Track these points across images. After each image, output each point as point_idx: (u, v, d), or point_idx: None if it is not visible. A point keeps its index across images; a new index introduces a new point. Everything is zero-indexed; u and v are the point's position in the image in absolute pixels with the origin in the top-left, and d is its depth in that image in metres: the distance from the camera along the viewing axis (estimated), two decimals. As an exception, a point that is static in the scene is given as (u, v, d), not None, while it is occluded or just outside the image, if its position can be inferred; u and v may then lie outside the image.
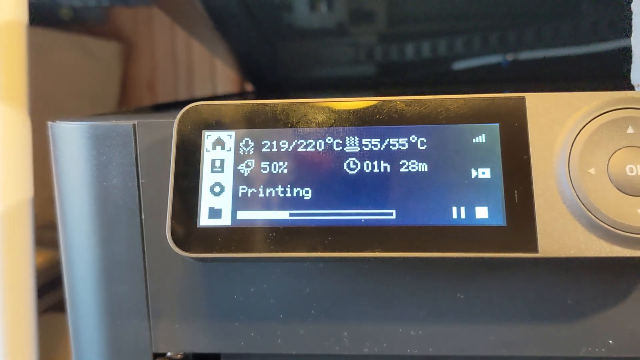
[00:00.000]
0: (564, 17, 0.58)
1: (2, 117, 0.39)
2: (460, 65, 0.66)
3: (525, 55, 0.62)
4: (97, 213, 0.26)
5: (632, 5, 0.25)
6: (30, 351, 0.42)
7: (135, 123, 0.26)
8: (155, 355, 0.27)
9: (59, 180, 0.28)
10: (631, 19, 0.26)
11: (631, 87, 0.28)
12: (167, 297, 0.27)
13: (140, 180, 0.26)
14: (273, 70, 0.70)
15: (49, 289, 0.66)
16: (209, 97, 0.57)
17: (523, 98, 0.23)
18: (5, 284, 0.40)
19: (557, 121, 0.22)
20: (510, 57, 0.64)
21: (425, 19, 0.64)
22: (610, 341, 0.25)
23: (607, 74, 0.59)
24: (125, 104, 0.94)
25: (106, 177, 0.26)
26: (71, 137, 0.27)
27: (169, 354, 0.28)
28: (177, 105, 0.45)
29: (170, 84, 0.94)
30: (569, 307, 0.25)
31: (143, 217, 0.26)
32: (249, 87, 0.91)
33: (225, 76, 0.93)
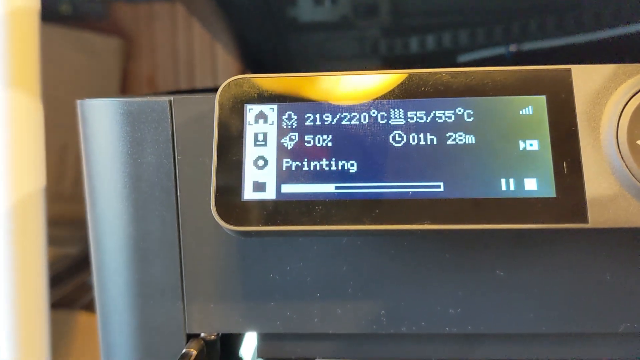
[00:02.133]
0: (567, 6, 0.58)
1: (15, 104, 0.39)
2: (464, 57, 0.66)
3: (529, 46, 0.62)
4: (130, 191, 0.26)
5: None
6: (42, 343, 0.41)
7: (172, 99, 0.25)
8: (189, 336, 0.27)
9: (88, 158, 0.27)
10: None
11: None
12: (201, 277, 0.26)
13: (177, 157, 0.25)
14: (277, 64, 0.70)
15: (51, 285, 0.65)
16: (210, 89, 0.57)
17: (569, 70, 0.22)
18: (19, 273, 0.39)
19: (603, 93, 0.22)
20: (514, 48, 0.64)
21: (429, 12, 0.64)
22: (650, 317, 0.25)
23: (611, 62, 0.59)
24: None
25: (140, 154, 0.26)
26: (103, 114, 0.26)
27: (202, 334, 0.27)
28: (194, 91, 0.45)
29: (171, 79, 0.94)
30: (608, 283, 0.25)
31: (179, 194, 0.26)
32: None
33: (227, 71, 0.93)
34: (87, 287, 0.82)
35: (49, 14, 0.88)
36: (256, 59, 0.72)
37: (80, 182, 0.89)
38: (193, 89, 0.49)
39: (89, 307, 0.81)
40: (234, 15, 0.56)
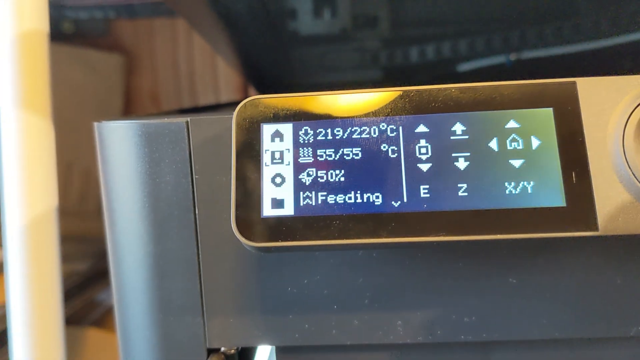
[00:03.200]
0: (567, 15, 0.59)
1: (27, 126, 0.39)
2: (464, 66, 0.67)
3: (529, 54, 0.63)
4: (150, 210, 0.27)
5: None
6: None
7: (188, 120, 0.26)
8: (210, 351, 0.28)
9: (107, 179, 0.28)
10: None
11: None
12: (221, 293, 0.27)
13: (194, 177, 0.26)
14: (278, 76, 0.70)
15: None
16: (214, 106, 0.58)
17: (574, 83, 0.23)
18: (34, 292, 0.39)
19: (608, 104, 0.23)
20: (513, 56, 0.65)
21: (429, 22, 0.65)
22: (660, 320, 0.26)
23: (610, 70, 0.60)
24: (129, 115, 0.94)
25: (159, 174, 0.26)
26: (122, 136, 0.27)
27: (222, 349, 0.28)
28: (204, 109, 0.45)
29: (173, 94, 0.94)
30: (619, 287, 0.26)
31: (197, 212, 0.26)
32: (252, 95, 0.91)
33: (228, 85, 0.94)
34: (95, 304, 0.82)
35: (52, 33, 0.89)
36: (257, 72, 0.73)
37: (85, 198, 0.89)
38: (198, 106, 0.49)
39: (98, 323, 0.82)
40: (235, 28, 0.57)
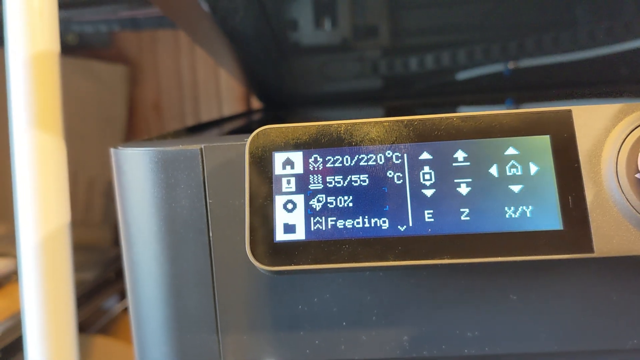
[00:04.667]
0: (564, 24, 0.60)
1: (39, 144, 0.41)
2: (463, 75, 0.68)
3: (527, 63, 0.65)
4: (166, 233, 0.28)
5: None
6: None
7: (202, 147, 0.27)
8: (224, 367, 0.29)
9: (124, 203, 0.29)
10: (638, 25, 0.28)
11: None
12: (235, 311, 0.28)
13: (208, 201, 0.27)
14: (280, 86, 0.72)
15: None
16: (218, 121, 0.59)
17: (570, 111, 0.25)
18: (48, 307, 0.41)
19: (602, 131, 0.24)
20: (512, 65, 0.66)
21: (428, 32, 0.66)
22: (655, 333, 0.27)
23: (606, 79, 0.62)
24: (132, 125, 0.96)
25: (175, 198, 0.28)
26: (139, 162, 0.28)
27: (236, 365, 0.29)
28: (209, 126, 0.47)
29: (177, 104, 0.96)
30: (614, 303, 0.27)
31: (211, 235, 0.28)
32: (255, 105, 0.93)
33: (231, 95, 0.95)
34: (102, 312, 0.83)
35: (56, 45, 0.90)
36: (260, 83, 0.74)
37: (91, 208, 0.90)
38: (202, 123, 0.50)
39: (105, 330, 0.83)
40: (237, 41, 0.58)
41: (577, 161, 0.24)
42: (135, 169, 0.28)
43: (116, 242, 0.82)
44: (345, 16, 0.63)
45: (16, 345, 0.60)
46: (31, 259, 0.39)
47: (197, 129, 0.45)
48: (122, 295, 0.83)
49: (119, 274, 0.79)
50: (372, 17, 0.64)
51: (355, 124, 0.25)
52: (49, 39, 0.44)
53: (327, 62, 0.69)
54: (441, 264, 0.23)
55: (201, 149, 0.27)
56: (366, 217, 0.24)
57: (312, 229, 0.24)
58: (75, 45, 0.92)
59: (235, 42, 0.57)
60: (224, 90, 0.95)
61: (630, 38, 0.55)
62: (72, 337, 0.43)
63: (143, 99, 0.97)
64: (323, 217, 0.24)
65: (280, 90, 0.72)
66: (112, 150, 0.29)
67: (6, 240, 0.78)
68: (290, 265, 0.24)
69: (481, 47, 0.65)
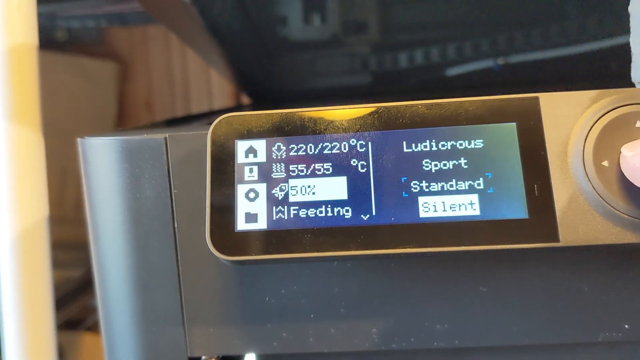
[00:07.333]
0: (553, 19, 0.60)
1: (17, 138, 0.40)
2: (453, 71, 0.68)
3: (517, 58, 0.64)
4: (131, 224, 0.27)
5: (630, 7, 0.27)
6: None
7: (167, 136, 0.27)
8: (191, 359, 0.28)
9: (90, 194, 0.29)
10: (628, 20, 0.28)
11: (631, 84, 0.30)
12: (201, 303, 0.28)
13: (173, 191, 0.27)
14: (269, 82, 0.71)
15: (56, 308, 0.67)
16: (207, 113, 0.59)
17: (537, 98, 0.24)
18: (25, 303, 0.40)
19: (569, 118, 0.24)
20: (501, 61, 0.65)
21: (417, 27, 0.66)
22: (627, 326, 0.27)
23: (596, 74, 0.61)
24: (123, 122, 0.95)
25: (139, 189, 0.27)
26: (103, 152, 0.28)
27: (203, 357, 0.29)
28: (191, 118, 0.46)
29: (167, 101, 0.95)
30: (586, 294, 0.27)
31: (176, 226, 0.27)
32: (245, 101, 0.92)
33: (221, 91, 0.94)
34: (90, 309, 0.83)
35: (46, 41, 0.90)
36: (249, 80, 0.74)
37: (80, 206, 0.90)
38: (189, 115, 0.50)
39: (94, 328, 0.83)
40: (225, 41, 0.58)
41: (544, 149, 0.24)
42: (100, 159, 0.28)
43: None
44: (334, 11, 0.63)
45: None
46: (8, 255, 0.39)
47: (176, 122, 0.44)
48: (111, 292, 0.82)
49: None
50: (361, 12, 0.64)
51: (319, 111, 0.25)
52: (27, 32, 0.43)
53: (316, 58, 0.69)
54: (404, 254, 0.23)
55: (165, 139, 0.27)
56: (329, 206, 0.24)
57: (274, 218, 0.24)
58: (65, 42, 0.92)
59: (220, 38, 0.57)
60: (215, 87, 0.94)
61: (621, 32, 0.55)
62: (50, 332, 0.43)
63: (134, 95, 0.96)
64: (285, 206, 0.24)
65: (269, 87, 0.72)
66: (78, 140, 0.29)
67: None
68: (251, 255, 0.23)
69: (471, 42, 0.64)
